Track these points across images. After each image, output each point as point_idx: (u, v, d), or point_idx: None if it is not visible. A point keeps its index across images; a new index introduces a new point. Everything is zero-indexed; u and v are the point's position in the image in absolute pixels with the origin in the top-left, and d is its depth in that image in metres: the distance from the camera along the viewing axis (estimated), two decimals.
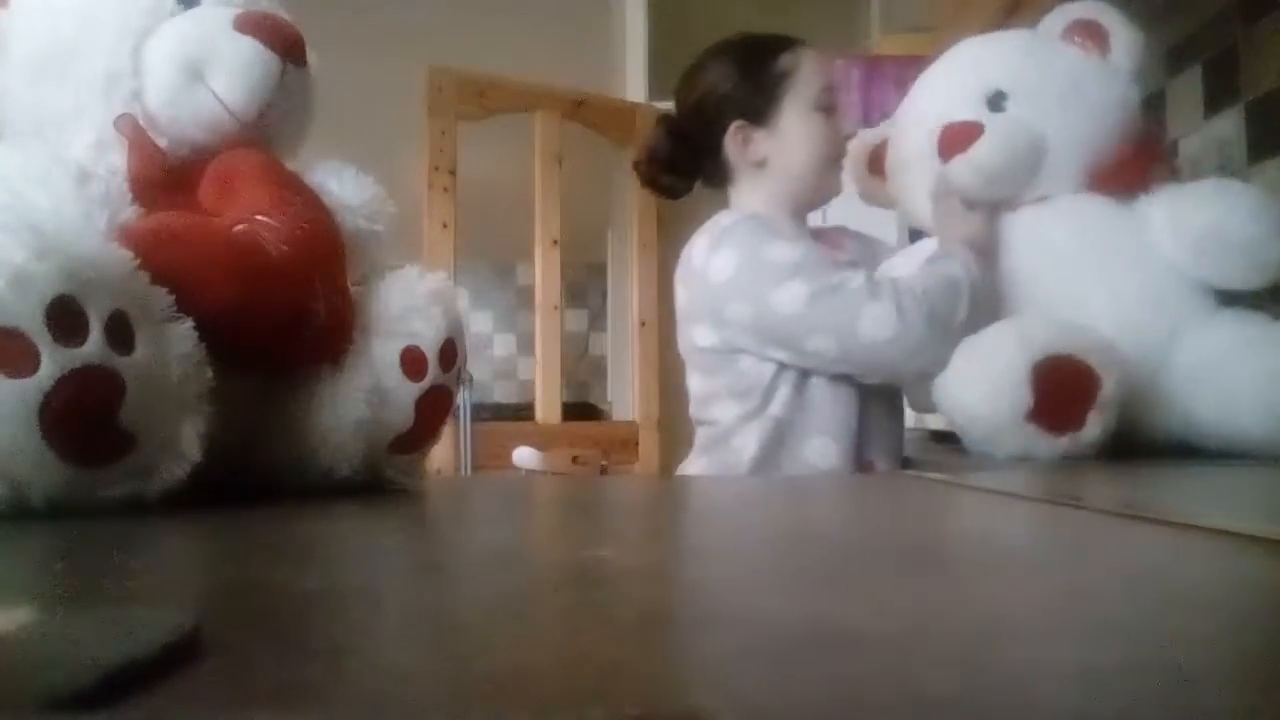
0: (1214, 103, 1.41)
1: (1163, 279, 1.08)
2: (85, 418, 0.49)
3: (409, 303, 0.65)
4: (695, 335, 1.22)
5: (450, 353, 0.66)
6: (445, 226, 2.80)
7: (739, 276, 1.14)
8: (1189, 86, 1.47)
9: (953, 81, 1.23)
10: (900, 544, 0.44)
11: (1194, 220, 1.06)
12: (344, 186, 0.68)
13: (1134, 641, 0.24)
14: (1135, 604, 0.29)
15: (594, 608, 0.29)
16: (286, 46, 0.64)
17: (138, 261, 0.52)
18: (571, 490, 0.78)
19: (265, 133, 0.65)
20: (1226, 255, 1.04)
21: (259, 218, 0.59)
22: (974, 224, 1.16)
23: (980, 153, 1.13)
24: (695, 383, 1.26)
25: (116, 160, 0.62)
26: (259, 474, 0.62)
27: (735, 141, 1.27)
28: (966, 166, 1.14)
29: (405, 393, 0.63)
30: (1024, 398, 0.95)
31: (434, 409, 0.65)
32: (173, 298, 0.53)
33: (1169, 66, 1.52)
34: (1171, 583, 0.33)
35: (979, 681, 0.20)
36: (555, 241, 2.96)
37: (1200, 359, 1.02)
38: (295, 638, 0.25)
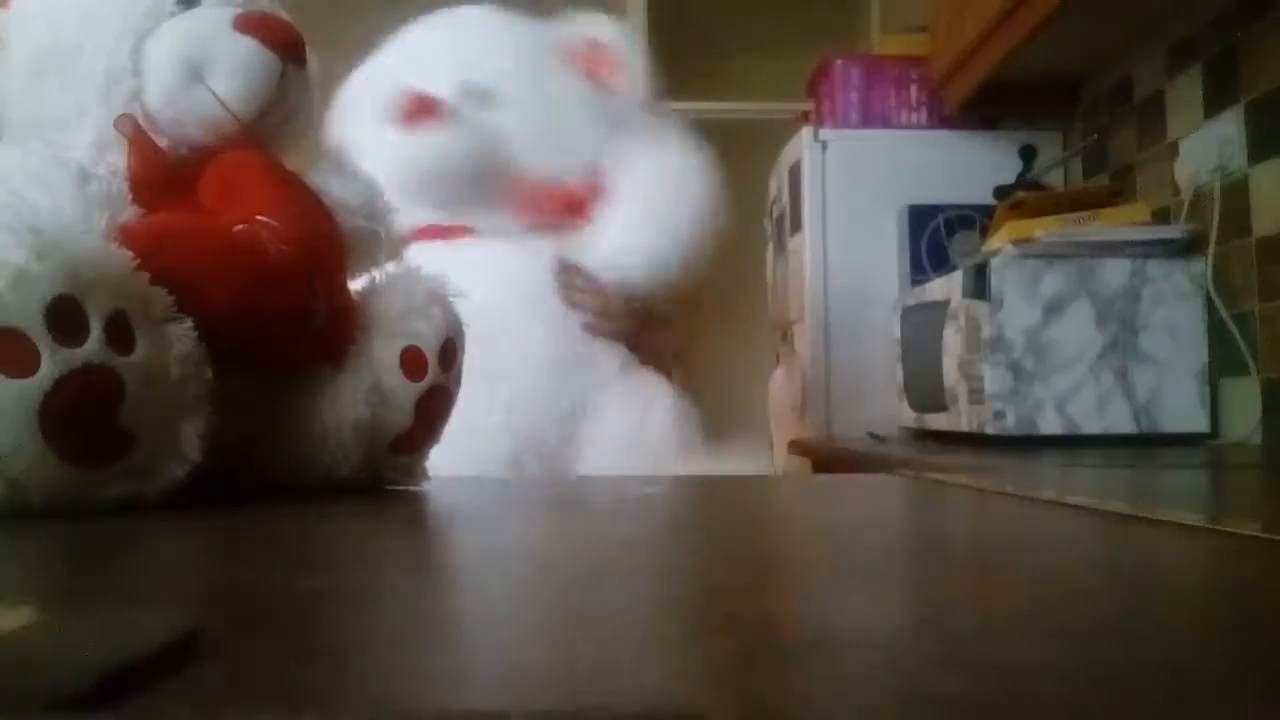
0: (1214, 103, 1.41)
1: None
2: (85, 418, 0.49)
3: (409, 303, 0.65)
4: None
5: (450, 353, 0.66)
6: None
7: None
8: (1189, 86, 1.47)
9: (433, 47, 1.12)
10: (900, 544, 0.44)
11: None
12: (344, 186, 0.68)
13: (1134, 641, 0.24)
14: (1135, 603, 0.29)
15: (594, 607, 0.29)
16: (286, 46, 0.64)
17: (138, 261, 0.52)
18: (571, 490, 0.78)
19: (265, 133, 0.65)
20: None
21: (259, 218, 0.59)
22: None
23: (442, 142, 1.04)
24: None
25: (116, 160, 0.61)
26: (259, 474, 0.62)
27: None
28: (422, 147, 1.05)
29: (405, 393, 0.63)
30: None
31: (434, 409, 0.65)
32: (173, 298, 0.53)
33: (1169, 66, 1.52)
34: (1171, 582, 0.33)
35: (979, 681, 0.20)
36: None
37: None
38: (296, 638, 0.25)
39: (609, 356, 1.09)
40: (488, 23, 1.15)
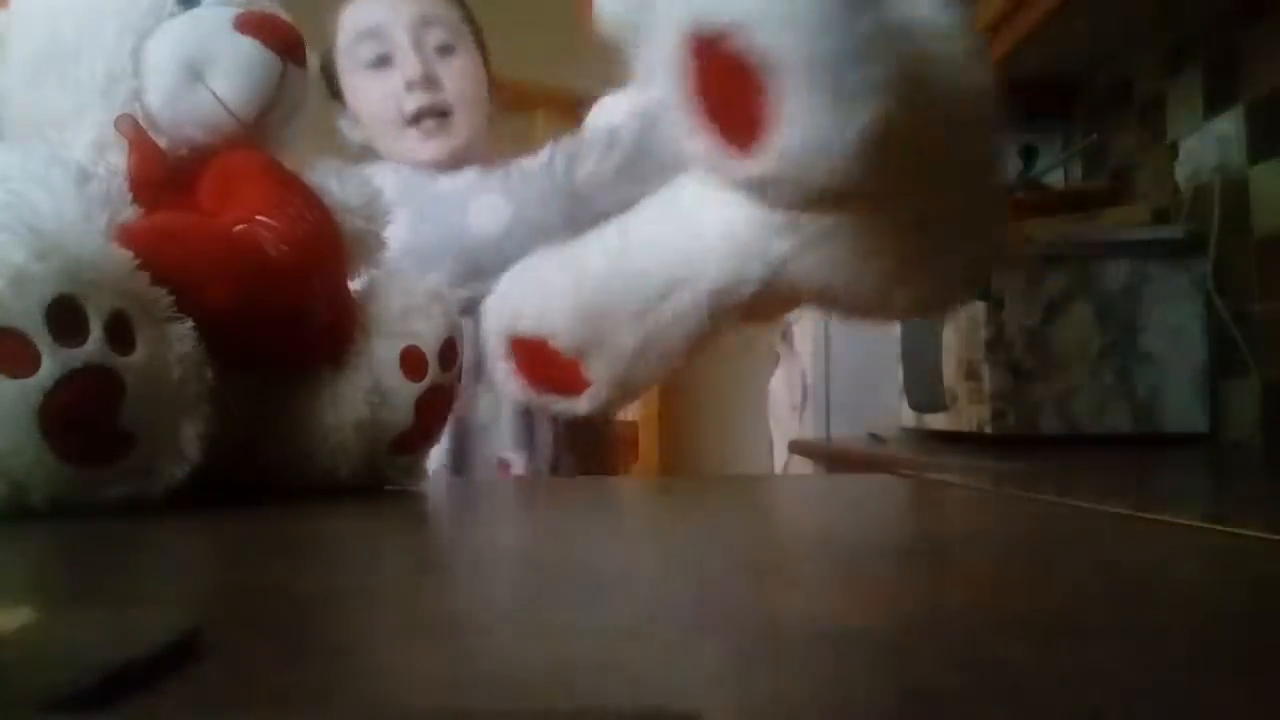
0: (1214, 103, 1.41)
1: None
2: (85, 418, 0.49)
3: (409, 303, 0.65)
4: None
5: (450, 353, 0.66)
6: None
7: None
8: (1189, 86, 1.47)
9: None
10: (900, 544, 0.44)
11: None
12: (344, 186, 0.68)
13: (1134, 641, 0.24)
14: (1136, 603, 0.29)
15: (593, 608, 0.29)
16: (286, 46, 0.64)
17: (138, 261, 0.52)
18: (571, 491, 0.78)
19: (265, 133, 0.65)
20: None
21: (259, 218, 0.59)
22: None
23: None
24: None
25: (116, 160, 0.61)
26: (259, 474, 0.62)
27: (346, 132, 1.12)
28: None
29: (405, 393, 0.63)
30: None
31: (434, 409, 0.65)
32: (173, 298, 0.53)
33: (1169, 66, 1.52)
34: (1172, 582, 0.33)
35: (979, 681, 0.20)
36: None
37: None
38: (295, 638, 0.25)
39: None
40: None
